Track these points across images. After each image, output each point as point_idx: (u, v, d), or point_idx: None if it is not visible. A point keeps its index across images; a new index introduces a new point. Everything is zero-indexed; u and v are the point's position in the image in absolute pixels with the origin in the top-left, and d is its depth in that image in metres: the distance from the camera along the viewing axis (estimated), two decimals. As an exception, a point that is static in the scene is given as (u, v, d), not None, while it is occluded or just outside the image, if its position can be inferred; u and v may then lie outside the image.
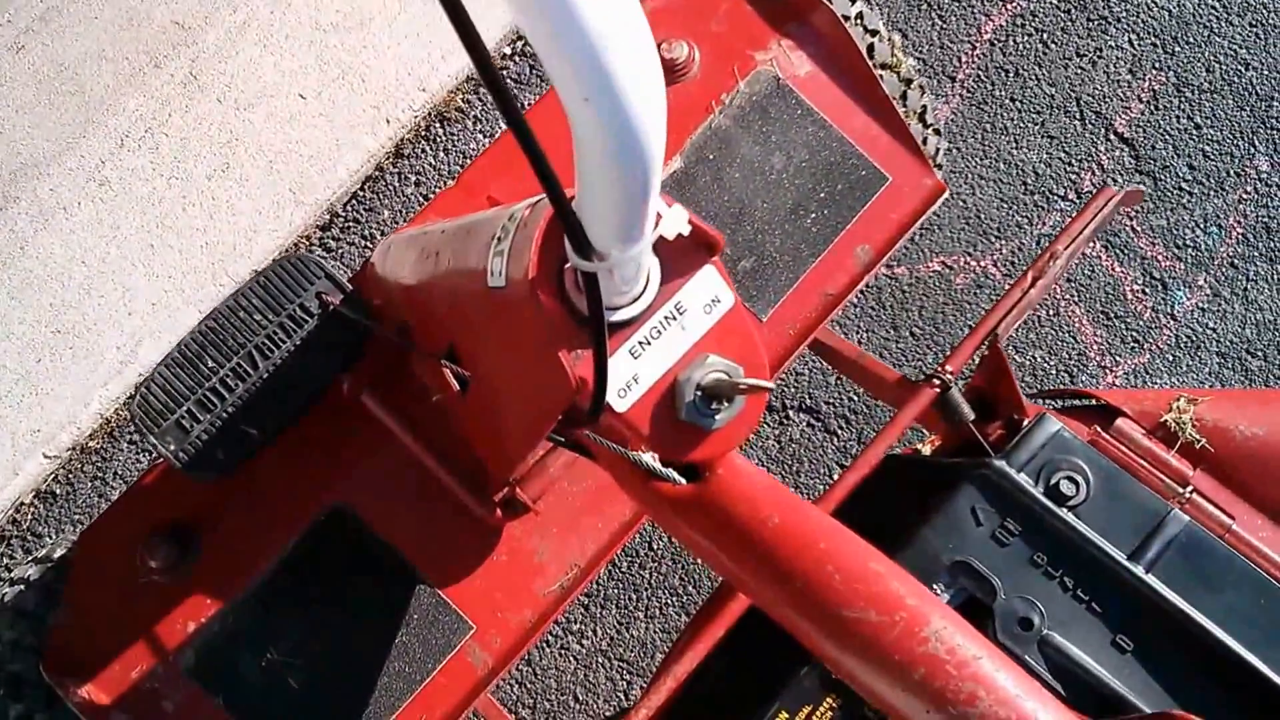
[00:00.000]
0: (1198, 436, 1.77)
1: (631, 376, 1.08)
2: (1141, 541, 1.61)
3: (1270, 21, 3.65)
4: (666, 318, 1.08)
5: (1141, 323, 3.38)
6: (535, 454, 1.92)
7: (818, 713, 1.60)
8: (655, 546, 3.18)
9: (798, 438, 3.25)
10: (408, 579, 1.93)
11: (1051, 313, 3.37)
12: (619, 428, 1.12)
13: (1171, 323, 3.38)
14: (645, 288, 1.06)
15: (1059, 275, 1.98)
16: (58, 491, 3.22)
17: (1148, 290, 3.40)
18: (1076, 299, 3.38)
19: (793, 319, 2.08)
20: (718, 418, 1.10)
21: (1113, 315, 3.38)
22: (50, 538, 3.21)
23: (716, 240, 1.08)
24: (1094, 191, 2.48)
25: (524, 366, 1.24)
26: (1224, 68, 3.61)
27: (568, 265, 1.02)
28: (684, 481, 1.19)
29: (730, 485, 1.18)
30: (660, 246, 1.04)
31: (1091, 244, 3.40)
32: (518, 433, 1.45)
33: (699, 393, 1.08)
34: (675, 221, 0.94)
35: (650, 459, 1.17)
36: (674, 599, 3.17)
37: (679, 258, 1.08)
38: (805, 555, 1.10)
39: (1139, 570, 1.58)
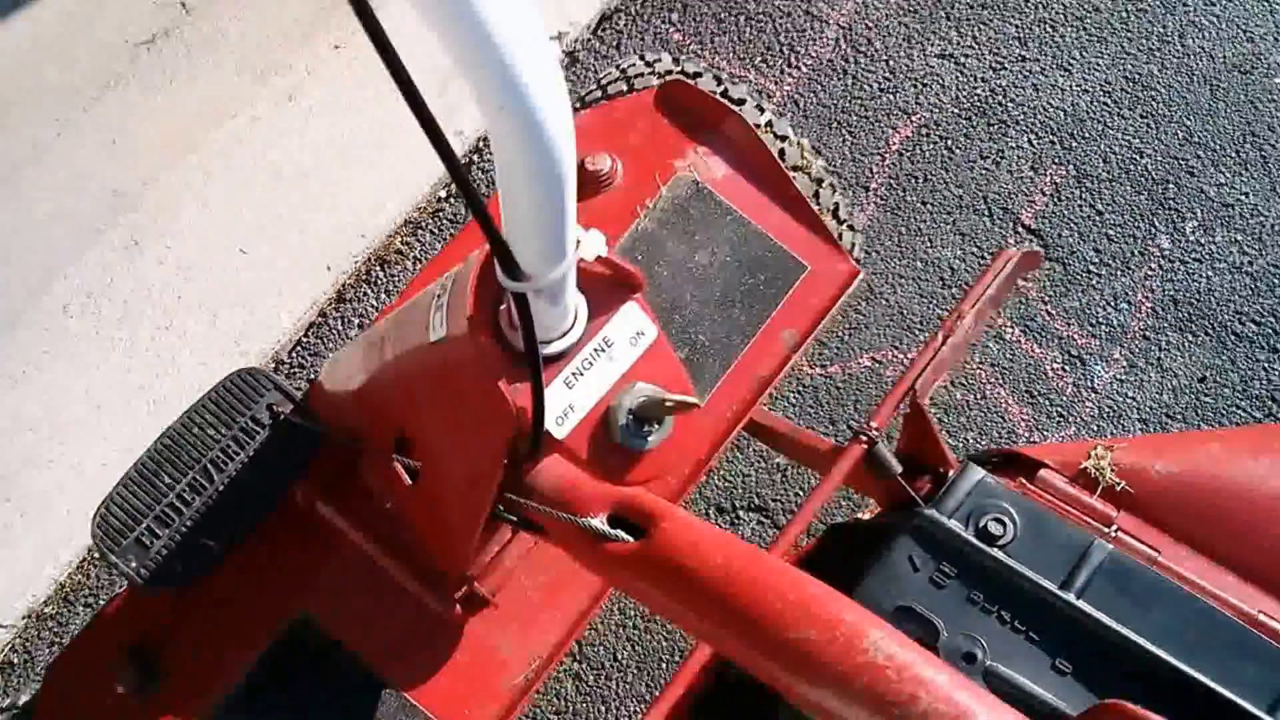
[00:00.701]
0: (1117, 480, 1.85)
1: (568, 405, 1.16)
2: (1070, 571, 1.69)
3: (1159, 112, 3.88)
4: (596, 350, 1.18)
5: (1064, 398, 3.50)
6: (490, 549, 1.97)
7: None
8: (620, 657, 3.20)
9: (749, 536, 3.30)
10: (373, 683, 1.95)
11: (979, 396, 3.49)
12: (559, 475, 1.20)
13: (1093, 395, 3.51)
14: (574, 323, 1.16)
15: (968, 334, 2.09)
16: (15, 661, 3.19)
17: (1067, 367, 3.54)
18: (1001, 381, 3.51)
19: (729, 403, 2.17)
20: (649, 439, 1.19)
21: (1036, 393, 3.50)
22: (9, 710, 3.16)
23: (637, 278, 1.18)
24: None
25: (467, 416, 1.32)
26: (1120, 157, 3.82)
27: (502, 306, 1.11)
28: (631, 539, 1.26)
29: (675, 536, 1.24)
30: (586, 285, 1.14)
31: (1011, 330, 3.55)
32: (466, 494, 1.51)
33: (631, 416, 1.17)
34: (594, 244, 1.04)
35: (599, 522, 1.24)
36: (642, 708, 3.17)
37: (604, 295, 1.18)
38: (750, 590, 1.17)
39: (1070, 597, 1.65)
